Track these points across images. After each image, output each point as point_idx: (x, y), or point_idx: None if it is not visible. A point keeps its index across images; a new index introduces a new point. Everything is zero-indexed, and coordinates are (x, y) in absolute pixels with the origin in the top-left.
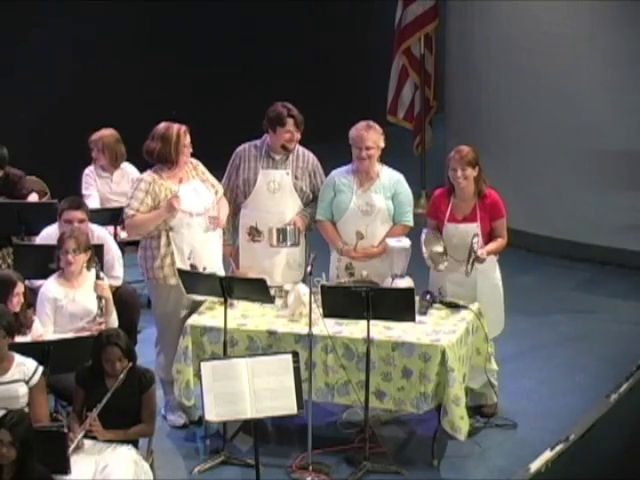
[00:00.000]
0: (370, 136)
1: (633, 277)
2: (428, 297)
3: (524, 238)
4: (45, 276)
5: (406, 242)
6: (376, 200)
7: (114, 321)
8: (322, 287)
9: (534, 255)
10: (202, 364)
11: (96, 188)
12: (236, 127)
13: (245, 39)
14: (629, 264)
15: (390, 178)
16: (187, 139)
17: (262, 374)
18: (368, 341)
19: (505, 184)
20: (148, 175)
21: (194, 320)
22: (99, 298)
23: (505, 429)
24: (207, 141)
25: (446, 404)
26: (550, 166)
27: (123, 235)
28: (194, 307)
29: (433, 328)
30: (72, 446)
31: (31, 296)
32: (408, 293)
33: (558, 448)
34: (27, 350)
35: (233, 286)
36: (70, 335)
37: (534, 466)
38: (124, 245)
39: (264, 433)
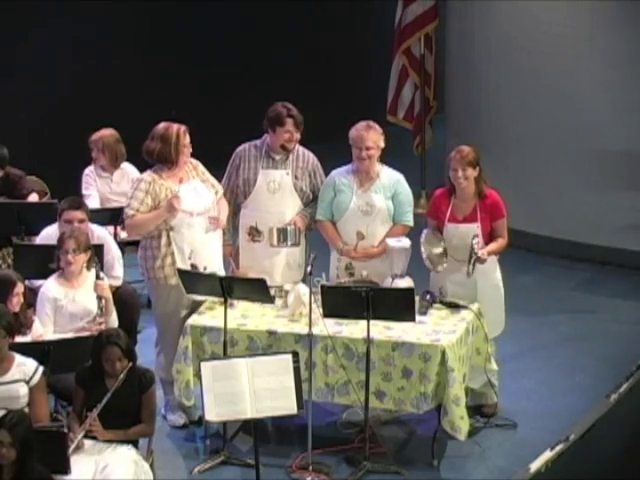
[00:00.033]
0: (370, 136)
1: (633, 277)
2: (428, 297)
3: (524, 238)
4: (45, 276)
5: (406, 242)
6: (376, 200)
7: (114, 321)
8: (322, 287)
9: (534, 255)
10: (202, 364)
11: (96, 188)
12: (236, 127)
13: (245, 39)
14: (629, 264)
15: (390, 178)
16: (187, 139)
17: (262, 374)
18: (368, 341)
19: (505, 184)
20: (148, 175)
21: (194, 320)
22: (99, 298)
23: (505, 429)
24: (207, 141)
25: (446, 404)
26: (550, 166)
27: (123, 235)
28: (194, 307)
29: (433, 328)
30: (72, 446)
31: (31, 296)
32: (408, 293)
33: (558, 448)
34: (27, 350)
35: (233, 286)
36: (70, 335)
37: (534, 466)
38: (124, 245)
39: (264, 433)
